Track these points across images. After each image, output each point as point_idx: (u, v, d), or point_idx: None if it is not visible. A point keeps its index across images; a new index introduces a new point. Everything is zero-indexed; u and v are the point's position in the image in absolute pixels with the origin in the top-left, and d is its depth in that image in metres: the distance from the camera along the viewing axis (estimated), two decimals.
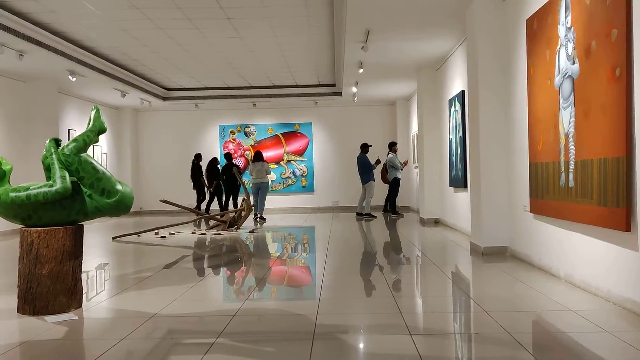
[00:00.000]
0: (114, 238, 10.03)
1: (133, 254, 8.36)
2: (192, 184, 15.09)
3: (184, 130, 17.51)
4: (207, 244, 9.40)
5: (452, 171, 10.28)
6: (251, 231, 10.81)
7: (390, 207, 13.92)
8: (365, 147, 13.59)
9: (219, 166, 15.08)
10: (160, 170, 17.22)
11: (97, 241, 9.84)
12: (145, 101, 15.56)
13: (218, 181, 14.76)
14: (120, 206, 4.54)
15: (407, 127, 16.43)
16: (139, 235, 10.34)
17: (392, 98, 16.31)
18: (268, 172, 13.42)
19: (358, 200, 13.83)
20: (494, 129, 7.11)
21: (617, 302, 4.37)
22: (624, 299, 4.29)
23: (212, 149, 17.45)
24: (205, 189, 15.01)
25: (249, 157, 17.33)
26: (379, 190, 15.90)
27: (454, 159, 10.07)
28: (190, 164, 15.24)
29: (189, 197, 16.36)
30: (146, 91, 14.67)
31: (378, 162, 13.46)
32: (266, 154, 16.99)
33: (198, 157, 15.12)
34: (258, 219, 13.17)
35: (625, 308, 4.25)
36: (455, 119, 9.89)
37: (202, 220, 13.09)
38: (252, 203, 13.15)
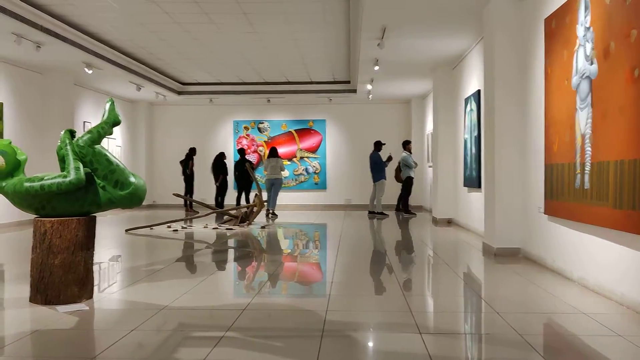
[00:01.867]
0: (127, 230, 10.11)
1: (145, 247, 8.42)
2: (213, 179, 15.18)
3: (198, 125, 17.58)
4: (218, 238, 9.44)
5: (467, 171, 10.23)
6: (263, 227, 10.83)
7: (403, 206, 13.87)
8: (378, 145, 13.55)
9: (225, 161, 15.12)
10: (173, 164, 17.30)
11: (110, 233, 9.93)
12: (161, 95, 15.64)
13: (224, 176, 14.83)
14: (133, 198, 4.57)
15: (422, 125, 16.36)
16: (151, 229, 10.41)
17: (407, 96, 16.24)
18: (282, 169, 13.45)
19: (370, 198, 13.80)
20: (509, 129, 7.06)
21: (631, 306, 4.32)
22: (638, 304, 4.24)
23: (226, 144, 17.50)
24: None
25: (262, 153, 17.36)
26: (392, 189, 15.85)
27: (469, 158, 10.02)
28: (213, 160, 15.30)
29: (202, 192, 16.43)
30: (161, 85, 14.75)
31: (390, 159, 13.40)
32: (279, 151, 17.00)
33: (221, 156, 15.07)
34: (270, 215, 13.20)
35: (639, 312, 4.20)
36: (471, 118, 9.83)
37: (216, 215, 13.15)
38: (264, 199, 13.16)
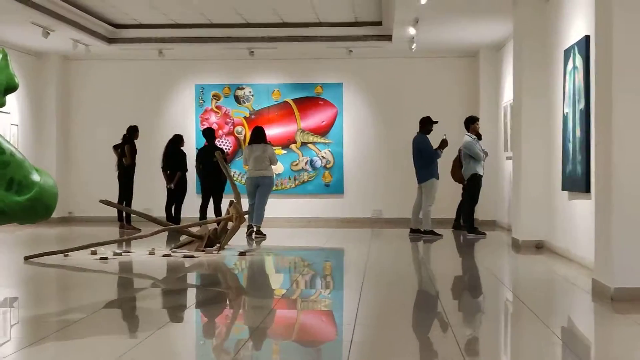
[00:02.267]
0: (26, 258, 10.11)
1: (56, 284, 8.39)
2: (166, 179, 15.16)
3: (140, 91, 17.58)
4: (172, 271, 9.39)
5: (567, 165, 10.16)
6: (242, 253, 10.83)
7: (466, 221, 13.82)
8: (426, 124, 13.48)
9: (183, 149, 15.08)
10: (101, 154, 17.30)
11: (1, 262, 9.90)
12: (81, 44, 15.65)
13: (181, 173, 14.89)
14: (38, 207, 4.56)
15: (496, 93, 16.30)
16: (66, 255, 10.41)
17: (472, 46, 16.17)
18: (273, 162, 13.39)
19: (412, 209, 13.77)
20: (636, 95, 7.00)
21: None
22: None
23: (185, 122, 17.50)
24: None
25: (242, 137, 17.38)
26: (449, 193, 15.82)
27: (570, 145, 9.95)
28: (164, 149, 15.24)
29: (147, 197, 16.45)
30: (82, 28, 14.76)
31: (445, 144, 13.36)
32: (269, 132, 17.00)
33: (178, 140, 15.08)
34: (253, 234, 13.20)
35: None
36: (574, 80, 9.77)
37: (168, 233, 13.16)
38: (244, 209, 13.14)
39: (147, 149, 16.15)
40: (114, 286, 8.27)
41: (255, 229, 13.23)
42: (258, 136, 13.46)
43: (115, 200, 14.51)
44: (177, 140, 15.04)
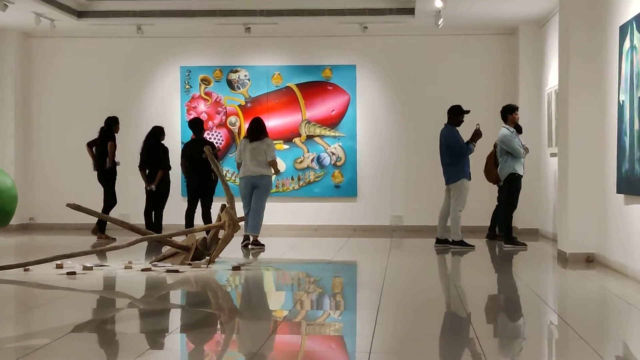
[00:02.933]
0: None
1: (15, 304, 8.40)
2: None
3: (115, 75, 17.55)
4: (153, 289, 9.41)
5: (623, 163, 10.13)
6: (236, 267, 10.84)
7: (502, 230, 13.82)
8: (455, 114, 13.44)
9: (164, 143, 15.08)
10: (68, 151, 17.35)
11: None
12: (45, 18, 15.62)
13: (164, 171, 14.93)
14: None
15: (538, 77, 16.29)
16: (26, 270, 10.41)
17: (510, 22, 16.15)
18: (271, 160, 13.33)
19: (439, 215, 13.74)
20: None
21: None
22: None
23: (167, 111, 17.51)
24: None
25: (236, 129, 17.38)
26: (482, 196, 15.82)
27: (627, 139, 9.93)
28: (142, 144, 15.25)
29: (125, 201, 16.43)
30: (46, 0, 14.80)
31: (478, 135, 13.27)
32: (268, 124, 16.97)
33: (158, 133, 15.11)
34: (250, 245, 13.24)
35: None
36: (632, 62, 9.74)
37: (148, 243, 13.16)
38: (239, 215, 13.14)
39: (123, 144, 16.06)
40: (83, 306, 8.25)
41: (251, 239, 13.22)
42: (256, 129, 13.47)
43: (93, 206, 14.50)
44: (156, 134, 15.03)
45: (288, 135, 17.35)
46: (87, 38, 17.49)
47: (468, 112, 13.48)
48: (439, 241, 13.60)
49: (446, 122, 13.56)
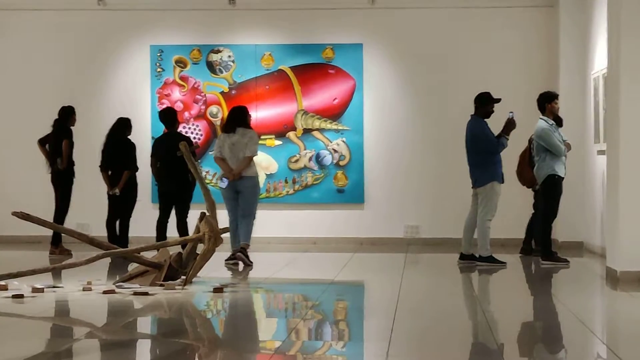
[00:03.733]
0: None
1: None
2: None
3: (73, 56, 17.59)
4: (117, 315, 9.39)
5: None
6: (218, 289, 10.84)
7: (540, 243, 13.84)
8: (483, 104, 13.45)
9: (131, 138, 15.12)
10: (12, 149, 17.38)
11: None
12: None
13: (130, 171, 15.00)
14: None
15: (582, 59, 16.32)
16: None
17: None
18: (248, 156, 13.40)
19: (464, 225, 13.74)
20: None
21: None
22: None
23: (136, 99, 17.55)
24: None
25: (218, 121, 17.38)
26: (513, 203, 15.81)
27: None
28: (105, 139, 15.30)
29: (83, 209, 16.46)
30: None
31: (511, 125, 13.24)
32: (258, 115, 17.03)
33: (123, 127, 15.17)
34: (234, 260, 13.36)
35: None
36: None
37: (112, 260, 13.18)
38: (222, 225, 13.15)
39: (81, 139, 16.10)
40: (32, 336, 8.24)
41: (240, 250, 13.36)
42: (236, 119, 13.65)
43: (50, 215, 14.54)
44: (121, 127, 15.07)
45: (281, 129, 17.36)
46: (39, 11, 17.52)
47: (499, 100, 13.50)
48: (463, 257, 13.61)
49: (473, 113, 13.58)
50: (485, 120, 13.47)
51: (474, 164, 13.44)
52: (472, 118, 13.57)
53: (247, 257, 13.31)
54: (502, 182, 13.42)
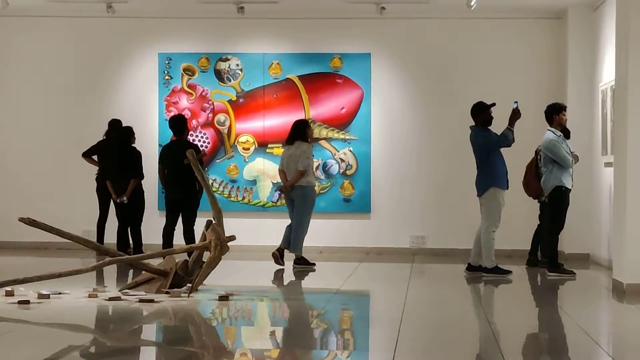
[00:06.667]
0: None
1: None
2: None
3: (81, 64, 17.56)
4: (121, 322, 9.39)
5: None
6: (223, 297, 10.82)
7: (546, 255, 13.80)
8: (479, 113, 13.40)
9: (135, 146, 15.16)
10: (22, 155, 17.36)
11: None
12: None
13: (135, 179, 15.11)
14: None
15: (590, 71, 16.25)
16: None
17: (557, 3, 16.18)
18: (301, 170, 13.96)
19: (475, 237, 13.68)
20: None
21: None
22: None
23: (143, 106, 17.52)
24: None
25: (226, 129, 17.39)
26: (519, 213, 15.78)
27: None
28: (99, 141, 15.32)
29: (88, 217, 16.47)
30: None
31: (517, 114, 13.09)
32: (264, 123, 17.03)
33: (125, 131, 15.22)
34: (293, 265, 13.90)
35: None
36: None
37: (118, 267, 13.17)
38: (226, 232, 13.16)
39: (89, 146, 16.20)
40: (37, 343, 8.23)
41: (295, 262, 14.10)
42: (295, 133, 14.37)
43: (55, 222, 14.52)
44: (124, 134, 15.08)
45: (289, 136, 17.28)
46: (46, 18, 17.52)
47: (493, 105, 13.44)
48: (470, 268, 13.59)
49: (475, 125, 13.53)
50: (487, 129, 13.40)
51: (478, 172, 13.43)
52: (473, 129, 13.51)
53: (304, 262, 14.09)
54: (506, 188, 13.32)
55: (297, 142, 14.15)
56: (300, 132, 14.24)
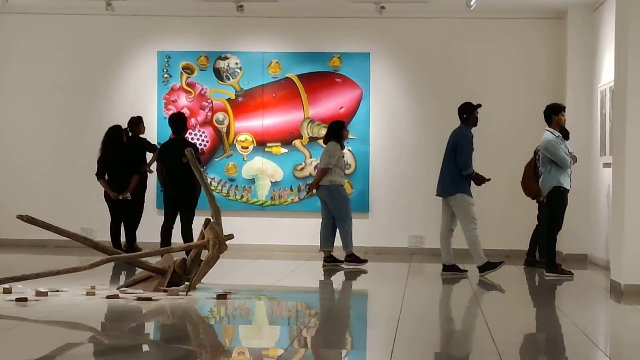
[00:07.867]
0: None
1: None
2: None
3: (79, 61, 17.57)
4: (119, 320, 9.39)
5: None
6: (221, 295, 10.82)
7: (544, 255, 13.80)
8: (471, 112, 13.39)
9: (124, 140, 15.17)
10: (20, 153, 17.35)
11: None
12: None
13: (139, 178, 15.11)
14: None
15: (589, 72, 16.24)
16: None
17: (556, 4, 16.17)
18: (321, 168, 14.30)
19: (440, 237, 13.66)
20: None
21: None
22: None
23: (142, 105, 17.42)
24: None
25: (224, 127, 17.38)
26: (518, 214, 15.77)
27: None
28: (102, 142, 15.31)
29: (87, 214, 16.45)
30: None
31: (482, 181, 13.22)
32: (264, 122, 17.05)
33: (121, 130, 15.24)
34: (344, 263, 14.22)
35: None
36: None
37: (115, 265, 13.16)
38: (223, 230, 13.14)
39: (88, 144, 16.20)
40: (35, 340, 8.23)
41: (347, 254, 14.42)
42: (328, 133, 14.92)
43: (54, 220, 14.49)
44: (117, 134, 15.09)
45: (287, 137, 17.33)
46: (45, 16, 17.49)
47: (479, 106, 13.46)
48: (446, 268, 13.58)
49: (460, 123, 13.57)
50: (470, 129, 13.47)
51: (446, 172, 13.48)
52: (462, 129, 13.49)
53: (355, 259, 14.41)
54: (470, 194, 13.40)
55: (330, 142, 14.55)
56: (332, 132, 14.63)
